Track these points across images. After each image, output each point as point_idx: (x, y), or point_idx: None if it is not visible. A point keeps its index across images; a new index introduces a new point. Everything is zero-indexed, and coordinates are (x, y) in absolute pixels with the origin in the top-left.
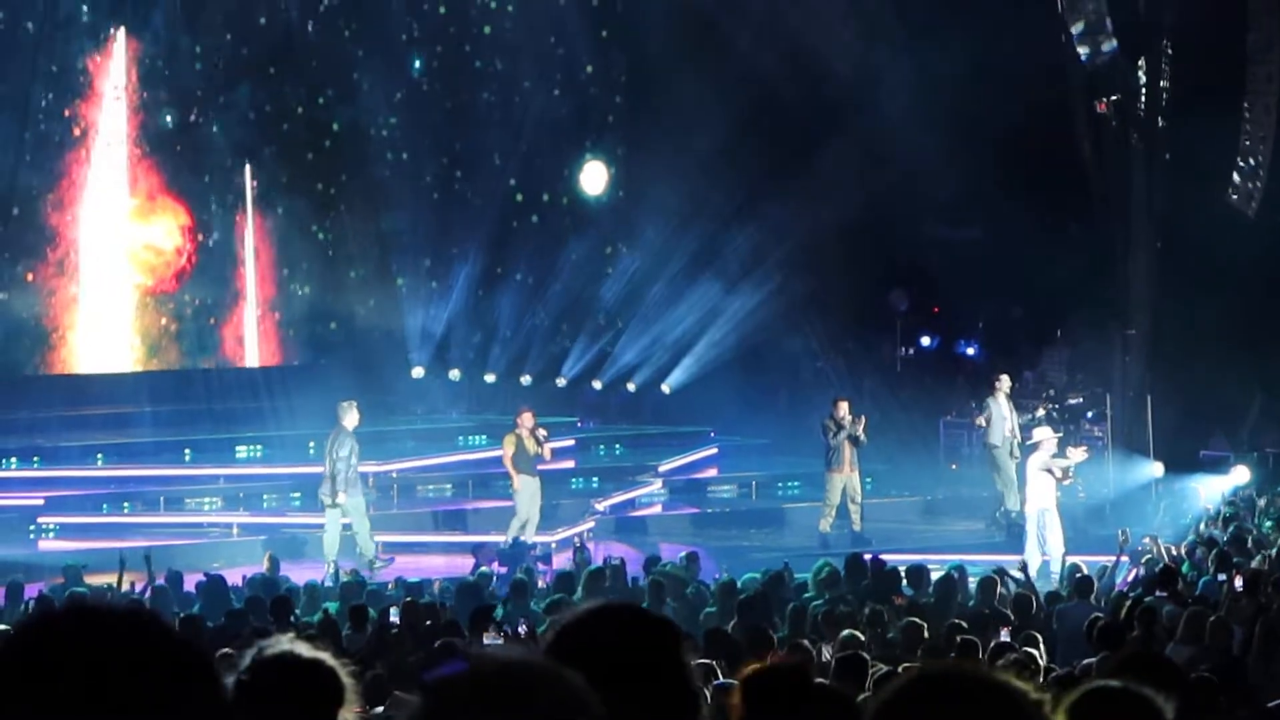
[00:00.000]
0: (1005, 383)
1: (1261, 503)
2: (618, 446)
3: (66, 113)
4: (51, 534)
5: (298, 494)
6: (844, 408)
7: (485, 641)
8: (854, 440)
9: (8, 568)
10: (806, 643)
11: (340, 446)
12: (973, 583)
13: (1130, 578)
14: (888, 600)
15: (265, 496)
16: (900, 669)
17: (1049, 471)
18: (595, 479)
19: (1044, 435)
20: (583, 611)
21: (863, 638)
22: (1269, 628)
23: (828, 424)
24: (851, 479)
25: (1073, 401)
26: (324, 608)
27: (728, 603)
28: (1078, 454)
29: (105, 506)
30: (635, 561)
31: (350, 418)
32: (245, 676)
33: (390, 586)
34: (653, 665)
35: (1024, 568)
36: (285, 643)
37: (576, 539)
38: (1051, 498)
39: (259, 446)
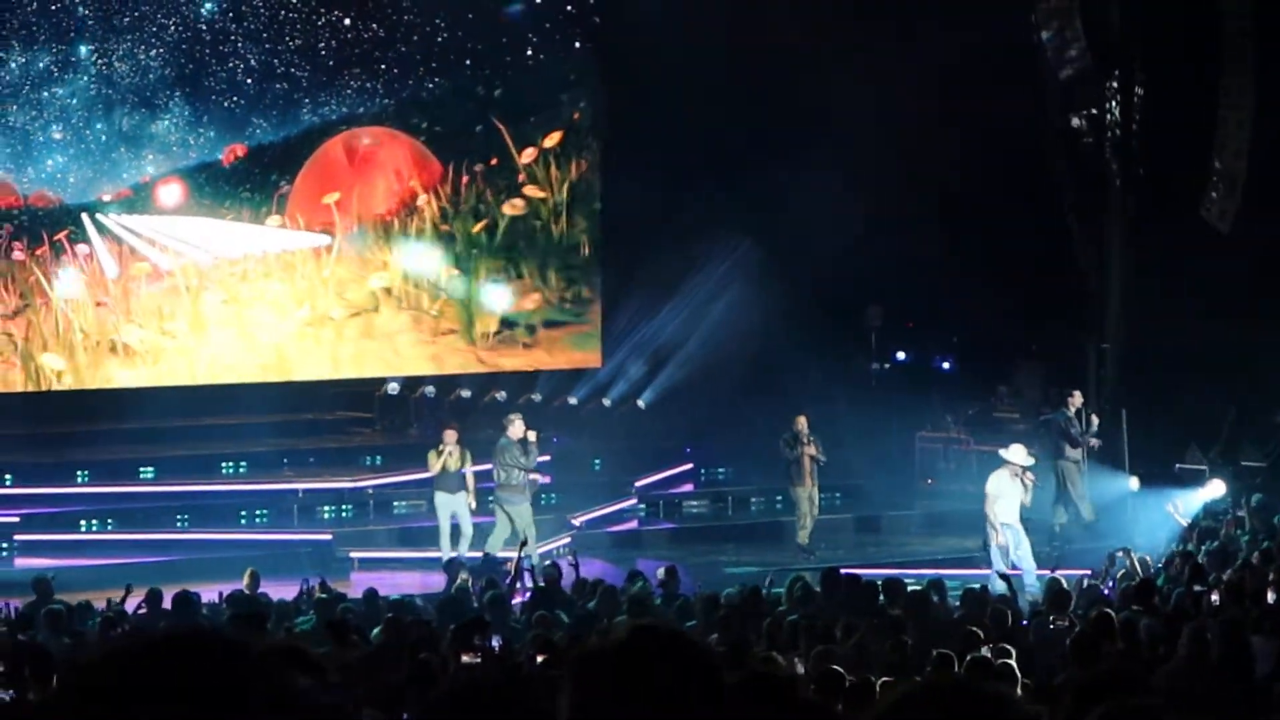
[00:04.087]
0: (1078, 398)
1: (1244, 515)
2: (595, 462)
3: None
4: (28, 551)
5: (261, 512)
6: (802, 422)
7: (464, 659)
8: (814, 460)
9: None
10: (780, 657)
11: (503, 454)
12: (950, 596)
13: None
14: (864, 614)
15: (242, 513)
16: (879, 683)
17: (1021, 482)
18: (571, 494)
19: (1018, 456)
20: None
21: (839, 651)
22: (1198, 635)
23: (786, 438)
24: (813, 492)
25: (1046, 416)
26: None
27: (709, 616)
28: (1025, 497)
29: (87, 524)
30: (610, 577)
31: (514, 429)
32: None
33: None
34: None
35: (1006, 578)
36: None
37: (571, 557)
38: (1015, 513)
39: (243, 463)
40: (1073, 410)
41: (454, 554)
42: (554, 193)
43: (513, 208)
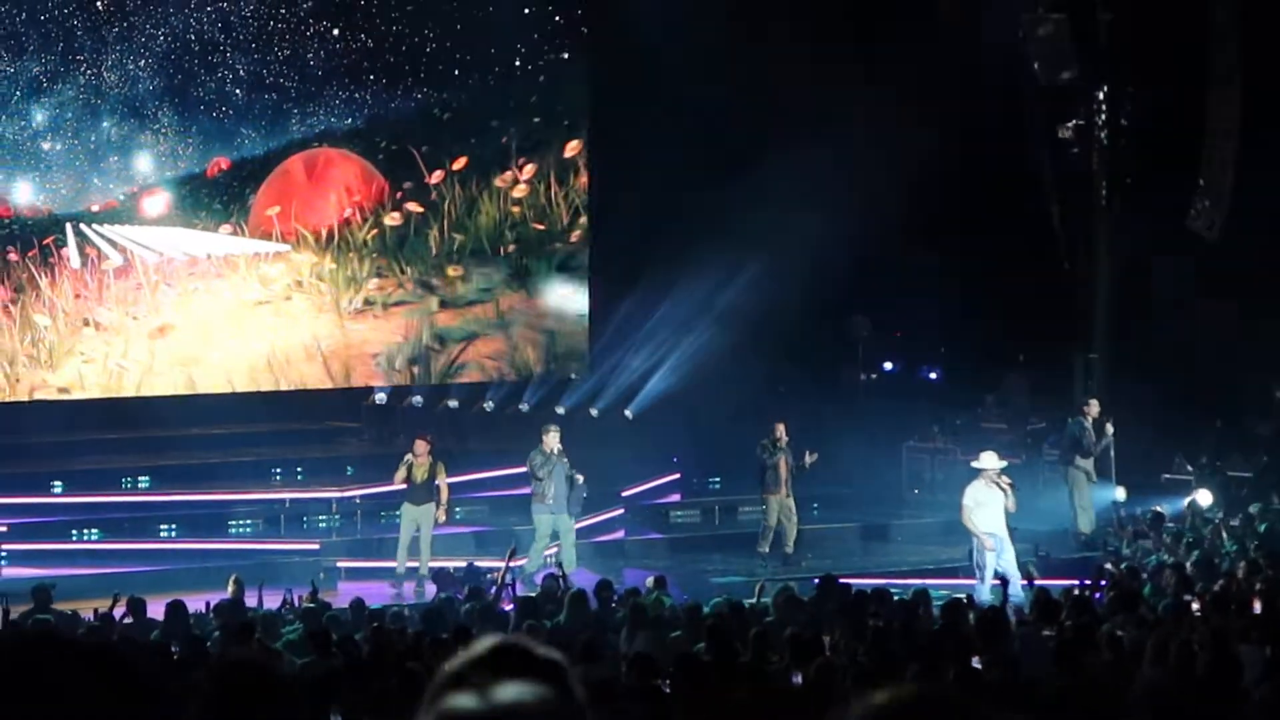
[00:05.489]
0: (1094, 407)
1: (1231, 524)
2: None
3: None
4: (5, 560)
5: (249, 522)
6: (781, 429)
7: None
8: (799, 469)
9: None
10: (772, 666)
11: (532, 465)
12: (936, 606)
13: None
14: (852, 623)
15: (231, 523)
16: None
17: (999, 488)
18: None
19: (990, 462)
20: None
21: (836, 663)
22: (1185, 646)
23: (764, 444)
24: (786, 502)
25: (1034, 426)
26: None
27: (695, 626)
28: (1009, 502)
29: (77, 533)
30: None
31: (546, 440)
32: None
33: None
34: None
35: (1005, 582)
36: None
37: (558, 567)
38: (999, 521)
39: (230, 473)
40: (1089, 420)
41: (411, 565)
42: (445, 208)
43: (391, 219)
